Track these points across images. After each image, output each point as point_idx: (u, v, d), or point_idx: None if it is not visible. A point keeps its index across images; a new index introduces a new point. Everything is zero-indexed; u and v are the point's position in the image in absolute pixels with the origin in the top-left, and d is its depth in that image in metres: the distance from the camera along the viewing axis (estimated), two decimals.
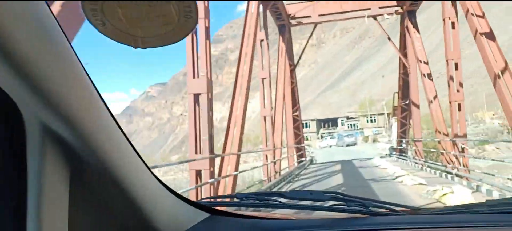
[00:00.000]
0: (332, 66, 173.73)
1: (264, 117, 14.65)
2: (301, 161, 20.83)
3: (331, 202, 1.21)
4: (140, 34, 0.62)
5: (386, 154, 25.14)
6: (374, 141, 49.68)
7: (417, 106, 17.58)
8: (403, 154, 20.67)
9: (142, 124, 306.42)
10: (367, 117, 65.03)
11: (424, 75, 14.97)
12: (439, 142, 13.77)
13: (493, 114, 47.46)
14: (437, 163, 14.60)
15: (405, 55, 18.60)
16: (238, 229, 1.13)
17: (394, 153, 22.55)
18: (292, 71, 19.70)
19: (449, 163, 12.43)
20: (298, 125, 20.86)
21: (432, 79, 14.90)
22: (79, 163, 0.69)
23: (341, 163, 20.19)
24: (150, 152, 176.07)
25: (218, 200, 1.47)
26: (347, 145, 49.81)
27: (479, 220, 1.12)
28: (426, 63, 15.28)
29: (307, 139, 67.07)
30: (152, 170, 0.93)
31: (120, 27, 0.61)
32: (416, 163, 16.26)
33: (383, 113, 63.90)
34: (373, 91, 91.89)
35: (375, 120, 63.64)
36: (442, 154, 13.35)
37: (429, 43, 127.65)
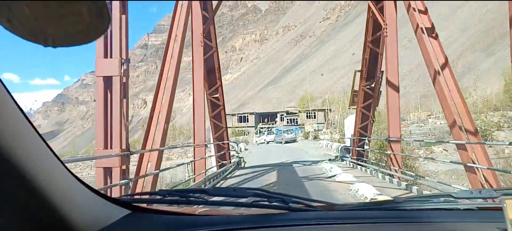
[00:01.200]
0: (274, 63, 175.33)
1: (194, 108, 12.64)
2: (223, 164, 15.41)
3: (253, 198, 1.27)
4: (51, 32, 0.60)
5: (336, 156, 20.57)
6: (315, 137, 46.86)
7: (396, 89, 11.36)
8: (361, 158, 15.33)
9: (76, 113, 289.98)
10: (307, 112, 62.91)
11: (422, 30, 8.85)
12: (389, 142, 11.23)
13: (429, 115, 48.48)
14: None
15: (381, 9, 12.59)
16: (160, 226, 1.12)
17: (348, 155, 17.38)
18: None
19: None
20: (219, 113, 15.97)
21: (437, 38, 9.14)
22: None
23: (278, 169, 15.17)
24: (83, 142, 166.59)
25: (139, 197, 1.41)
26: (286, 142, 44.77)
27: (387, 217, 1.22)
28: (425, 12, 9.37)
29: (244, 134, 61.87)
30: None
31: (28, 24, 0.59)
32: (388, 174, 11.09)
33: (323, 109, 63.28)
34: (312, 88, 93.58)
35: (315, 115, 61.97)
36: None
37: None
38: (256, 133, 55.54)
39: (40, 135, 0.78)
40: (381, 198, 6.79)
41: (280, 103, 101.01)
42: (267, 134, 52.15)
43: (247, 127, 68.30)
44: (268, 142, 48.90)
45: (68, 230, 0.87)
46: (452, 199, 1.31)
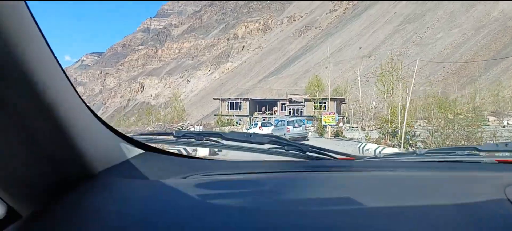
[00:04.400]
0: (276, 53, 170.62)
1: None
2: None
3: (270, 146, 1.26)
4: None
5: None
6: (337, 135, 29.49)
7: None
8: None
9: None
10: (316, 102, 43.71)
11: None
12: None
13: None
14: None
15: None
16: (171, 167, 1.11)
17: None
18: None
19: None
20: None
21: None
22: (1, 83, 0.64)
23: None
24: None
25: (153, 137, 1.37)
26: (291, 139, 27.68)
27: (407, 166, 1.24)
28: None
29: (236, 124, 47.65)
30: None
31: None
32: None
33: (339, 99, 50.79)
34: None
35: (325, 106, 42.57)
36: None
37: (375, 38, 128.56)
38: (251, 125, 35.73)
39: (62, 69, 0.78)
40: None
41: (281, 95, 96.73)
42: (262, 125, 32.18)
43: (239, 116, 54.58)
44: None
45: (83, 163, 0.88)
46: (476, 152, 1.28)
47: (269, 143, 1.25)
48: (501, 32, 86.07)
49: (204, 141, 1.27)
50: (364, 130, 30.74)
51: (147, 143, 1.18)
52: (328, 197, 0.88)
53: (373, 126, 31.89)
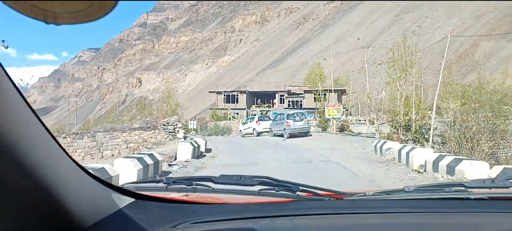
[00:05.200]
0: (274, 45, 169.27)
1: None
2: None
3: (260, 187, 1.27)
4: (52, 9, 0.56)
5: None
6: (342, 129, 26.41)
7: None
8: None
9: (71, 89, 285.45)
10: (317, 93, 38.98)
11: None
12: None
13: None
14: None
15: None
16: (165, 214, 1.11)
17: None
18: None
19: None
20: None
21: None
22: None
23: None
24: (76, 119, 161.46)
25: (143, 184, 1.41)
26: (292, 136, 22.11)
27: (397, 206, 1.23)
28: None
29: (233, 118, 46.10)
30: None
31: (30, 1, 0.55)
32: None
33: (337, 90, 46.36)
34: (314, 73, 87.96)
35: (326, 97, 37.34)
36: None
37: (372, 29, 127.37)
38: (248, 119, 32.45)
39: (39, 119, 0.76)
40: None
41: (279, 87, 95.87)
42: (259, 119, 28.79)
43: (236, 109, 52.69)
44: (259, 134, 27.56)
45: (72, 218, 0.86)
46: (464, 188, 1.29)
47: (259, 184, 1.25)
48: (501, 20, 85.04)
49: (195, 186, 1.28)
50: (373, 123, 27.91)
51: (137, 191, 1.18)
52: None
53: (384, 119, 29.10)
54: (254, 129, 28.15)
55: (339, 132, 25.29)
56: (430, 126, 14.12)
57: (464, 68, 71.88)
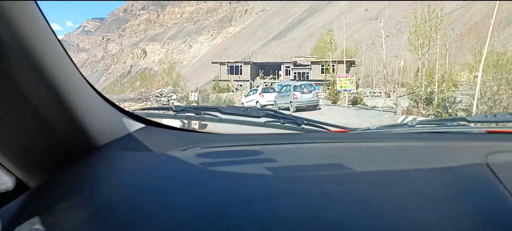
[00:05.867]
0: (280, 16, 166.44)
1: None
2: None
3: (266, 119, 1.31)
4: None
5: None
6: (355, 102, 24.89)
7: None
8: None
9: (76, 60, 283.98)
10: (326, 64, 36.65)
11: None
12: None
13: None
14: None
15: None
16: (172, 140, 1.14)
17: None
18: None
19: None
20: None
21: None
22: (6, 58, 0.66)
23: None
24: None
25: (154, 111, 1.44)
26: (299, 109, 20.22)
27: (399, 137, 1.26)
28: None
29: (235, 90, 42.53)
30: None
31: None
32: None
33: (348, 61, 43.32)
34: (322, 45, 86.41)
35: (334, 69, 34.07)
36: None
37: (380, 2, 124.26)
38: (249, 89, 31.22)
39: (64, 48, 0.80)
40: None
41: (285, 59, 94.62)
42: (262, 91, 26.30)
43: (239, 80, 49.30)
44: (262, 107, 17.85)
45: (87, 137, 0.92)
46: (466, 123, 1.31)
47: (265, 116, 1.30)
48: None
49: (202, 115, 1.32)
50: (389, 96, 25.60)
51: (148, 117, 1.22)
52: (321, 164, 0.92)
53: (401, 92, 26.93)
54: (257, 101, 25.79)
55: (351, 105, 23.48)
56: (454, 99, 13.29)
57: (473, 42, 70.20)
